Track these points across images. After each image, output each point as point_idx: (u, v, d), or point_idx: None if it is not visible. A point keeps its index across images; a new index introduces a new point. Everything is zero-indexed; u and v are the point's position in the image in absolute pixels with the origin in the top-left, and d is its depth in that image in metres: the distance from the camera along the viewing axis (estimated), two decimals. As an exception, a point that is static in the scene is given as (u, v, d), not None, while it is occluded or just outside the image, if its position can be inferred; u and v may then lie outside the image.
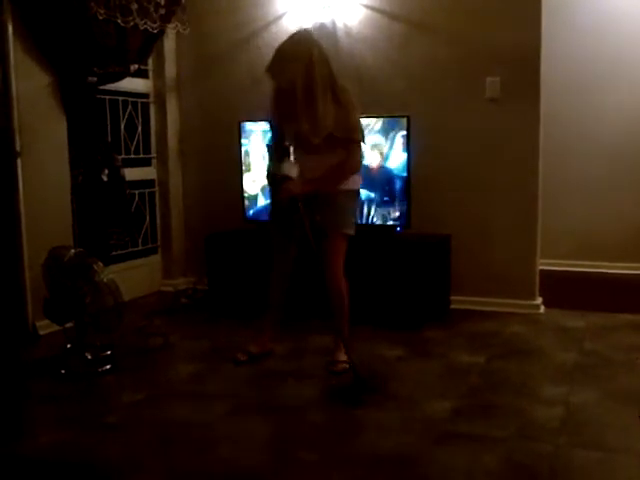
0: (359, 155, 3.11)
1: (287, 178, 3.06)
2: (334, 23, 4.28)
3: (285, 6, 4.42)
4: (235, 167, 4.35)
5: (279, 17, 4.43)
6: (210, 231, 4.42)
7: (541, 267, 4.26)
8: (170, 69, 4.76)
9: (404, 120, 3.86)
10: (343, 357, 3.13)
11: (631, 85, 5.04)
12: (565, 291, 4.59)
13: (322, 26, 4.26)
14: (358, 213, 3.60)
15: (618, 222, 5.08)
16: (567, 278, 4.90)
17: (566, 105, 5.09)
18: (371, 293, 3.90)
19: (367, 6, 4.22)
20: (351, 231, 3.18)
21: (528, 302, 4.13)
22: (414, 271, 3.86)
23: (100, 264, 3.21)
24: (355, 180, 3.18)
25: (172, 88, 4.78)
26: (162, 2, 4.27)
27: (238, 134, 4.32)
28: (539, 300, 4.17)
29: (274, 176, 3.14)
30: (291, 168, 3.07)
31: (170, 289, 4.74)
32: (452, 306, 4.18)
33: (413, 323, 3.83)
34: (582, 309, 4.15)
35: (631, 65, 5.01)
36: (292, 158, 3.08)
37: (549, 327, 3.86)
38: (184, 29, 4.49)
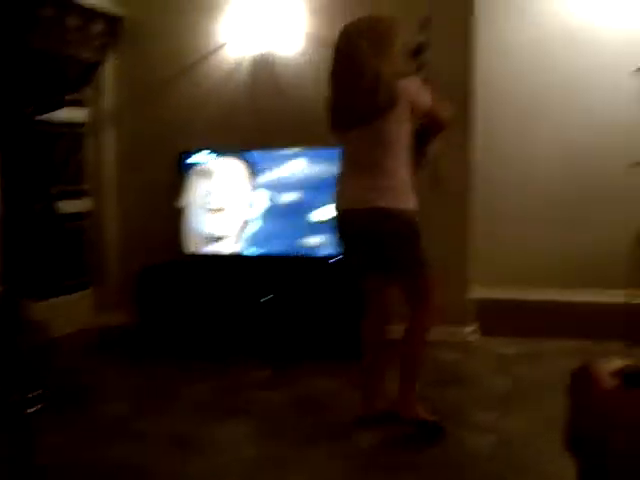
0: None
1: None
2: (275, 54, 4.33)
3: (225, 37, 4.44)
4: (173, 199, 4.32)
5: (219, 47, 4.45)
6: (147, 265, 4.34)
7: (478, 295, 4.33)
8: (107, 98, 4.71)
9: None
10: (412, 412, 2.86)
11: (564, 113, 5.17)
12: (500, 318, 4.66)
13: (263, 57, 4.33)
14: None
15: (552, 250, 5.19)
16: (502, 306, 4.95)
17: (500, 132, 5.17)
18: (305, 325, 3.91)
19: (308, 37, 4.27)
20: None
21: (462, 329, 4.19)
22: (348, 301, 3.85)
23: (29, 301, 3.13)
24: None
25: (109, 118, 4.73)
26: (100, 32, 4.25)
27: (178, 165, 4.31)
28: (473, 327, 4.23)
29: None
30: None
31: (103, 325, 4.62)
32: (390, 336, 4.19)
33: (350, 354, 3.83)
34: (516, 336, 4.23)
35: (565, 93, 5.14)
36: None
37: (483, 354, 3.93)
38: (121, 59, 4.47)
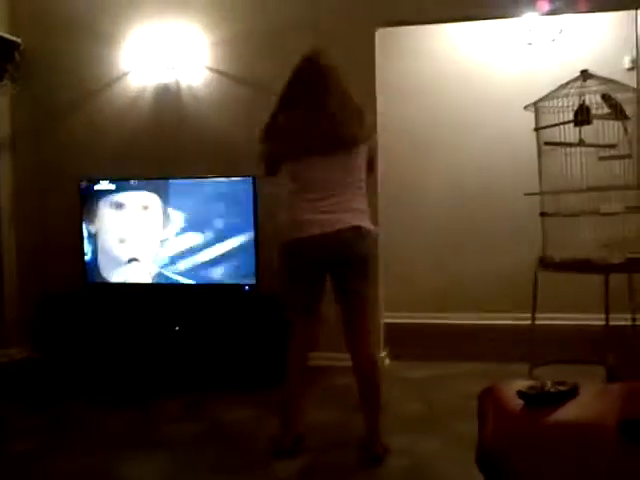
0: None
1: None
2: (178, 84, 4.33)
3: (128, 65, 4.40)
4: (75, 228, 4.23)
5: (122, 76, 4.41)
6: (47, 296, 4.22)
7: (385, 320, 4.38)
8: (4, 126, 4.57)
9: (250, 180, 3.93)
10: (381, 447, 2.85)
11: (462, 136, 5.34)
12: (408, 343, 4.73)
13: (166, 87, 4.32)
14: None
15: (454, 275, 5.34)
16: (410, 330, 5.05)
17: (396, 158, 5.19)
18: (219, 354, 3.87)
19: (211, 69, 4.30)
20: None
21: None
22: (263, 331, 3.86)
23: None
24: None
25: (6, 146, 4.58)
26: (-6, 58, 4.13)
27: (78, 193, 4.23)
28: (384, 353, 4.29)
29: None
30: None
31: (4, 359, 4.43)
32: (310, 363, 4.20)
33: (265, 382, 3.81)
34: (424, 360, 4.31)
35: (463, 116, 5.32)
36: None
37: (394, 379, 3.97)
38: (15, 88, 4.35)
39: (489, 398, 1.94)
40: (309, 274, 2.83)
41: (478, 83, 5.29)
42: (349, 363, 3.81)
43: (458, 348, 4.63)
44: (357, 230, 2.76)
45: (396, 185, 5.15)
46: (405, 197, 5.39)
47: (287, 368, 2.92)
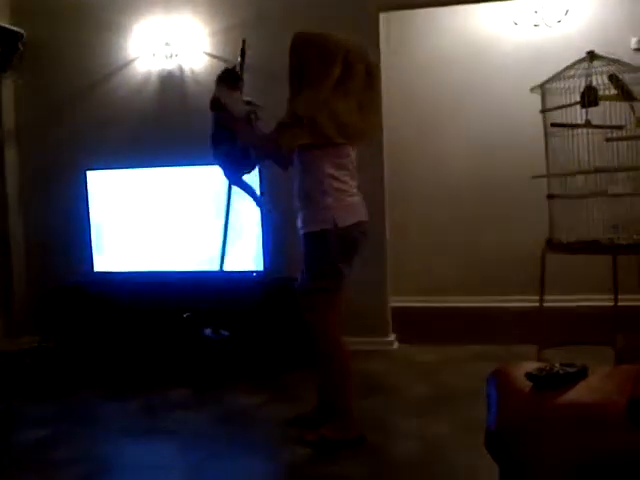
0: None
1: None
2: (182, 70, 4.34)
3: (130, 55, 4.41)
4: (83, 217, 4.27)
5: (126, 65, 4.42)
6: (56, 285, 4.25)
7: (394, 304, 4.41)
8: (9, 118, 4.58)
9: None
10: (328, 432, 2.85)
11: (469, 119, 5.31)
12: (417, 327, 4.76)
13: (169, 74, 4.33)
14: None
15: (462, 261, 5.34)
16: (418, 314, 5.07)
17: (406, 140, 5.22)
18: (228, 341, 3.88)
19: (212, 55, 4.30)
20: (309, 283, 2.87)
21: (382, 339, 4.26)
22: (271, 317, 3.87)
23: None
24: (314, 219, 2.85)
25: (11, 137, 4.60)
26: (-3, 49, 4.14)
27: (84, 183, 4.25)
28: (392, 336, 4.32)
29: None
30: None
31: (13, 348, 4.47)
32: None
33: (276, 370, 3.83)
34: (433, 343, 4.32)
35: (470, 97, 5.29)
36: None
37: (403, 362, 4.00)
38: (20, 78, 4.35)
39: (497, 380, 1.93)
40: (353, 257, 2.90)
41: (485, 65, 5.24)
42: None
43: (467, 331, 4.64)
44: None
45: (404, 169, 5.16)
46: (413, 181, 5.36)
47: (337, 348, 2.90)
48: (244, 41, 3.05)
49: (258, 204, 3.31)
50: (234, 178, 3.17)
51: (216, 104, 2.99)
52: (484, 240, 5.31)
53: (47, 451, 2.94)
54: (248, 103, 3.04)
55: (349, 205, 2.85)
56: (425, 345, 4.31)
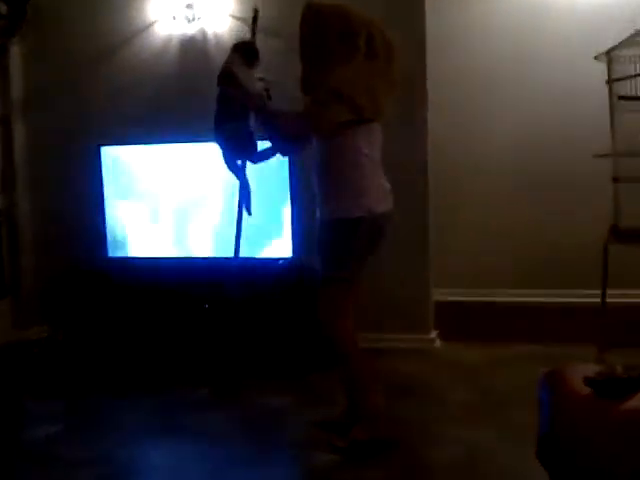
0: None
1: None
2: (204, 35, 4.35)
3: (148, 18, 4.42)
4: (96, 197, 4.29)
5: (143, 29, 4.43)
6: (67, 271, 4.29)
7: (436, 298, 4.39)
8: (17, 89, 4.63)
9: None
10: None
11: (522, 91, 5.19)
12: (461, 323, 4.73)
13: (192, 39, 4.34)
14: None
15: (512, 248, 5.26)
16: (463, 309, 5.04)
17: (451, 117, 5.17)
18: (252, 336, 3.87)
19: (238, 18, 4.27)
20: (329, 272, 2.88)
21: (423, 336, 4.25)
22: (299, 309, 3.82)
23: None
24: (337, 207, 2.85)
25: (19, 108, 4.64)
26: (3, 13, 4.15)
27: (98, 160, 4.27)
28: (434, 333, 4.29)
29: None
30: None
31: (22, 339, 4.52)
32: None
33: (303, 368, 3.81)
34: (479, 341, 4.29)
35: (523, 66, 5.17)
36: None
37: (445, 362, 3.98)
38: (31, 43, 4.39)
39: (551, 384, 1.91)
40: (368, 251, 2.90)
41: (540, 29, 5.10)
42: (378, 344, 3.92)
43: (517, 328, 4.59)
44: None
45: (449, 148, 5.11)
46: (460, 162, 5.29)
47: (352, 346, 2.92)
48: (256, 10, 3.04)
49: (243, 200, 3.24)
50: (233, 163, 3.15)
51: (228, 77, 2.95)
52: (539, 227, 5.22)
53: (58, 449, 2.98)
54: (260, 79, 3.02)
55: (382, 191, 2.88)
56: (470, 343, 4.27)
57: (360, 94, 2.73)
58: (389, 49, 2.85)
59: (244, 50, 3.01)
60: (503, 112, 5.24)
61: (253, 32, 3.07)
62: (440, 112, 4.54)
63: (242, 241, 3.46)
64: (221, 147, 3.08)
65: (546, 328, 4.51)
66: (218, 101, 3.02)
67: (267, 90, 2.99)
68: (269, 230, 4.02)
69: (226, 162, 3.14)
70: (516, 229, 5.28)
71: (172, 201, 4.23)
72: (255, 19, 3.07)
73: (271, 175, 3.88)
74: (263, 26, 3.24)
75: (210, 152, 4.07)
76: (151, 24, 4.43)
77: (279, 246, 4.03)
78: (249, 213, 3.27)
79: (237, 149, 3.06)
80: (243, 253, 3.53)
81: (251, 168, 3.24)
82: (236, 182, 3.28)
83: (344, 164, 2.80)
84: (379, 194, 2.86)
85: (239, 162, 3.16)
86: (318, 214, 2.92)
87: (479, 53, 5.26)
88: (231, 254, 3.76)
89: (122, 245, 4.32)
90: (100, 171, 4.28)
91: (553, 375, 1.96)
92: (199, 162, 4.15)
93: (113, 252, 4.33)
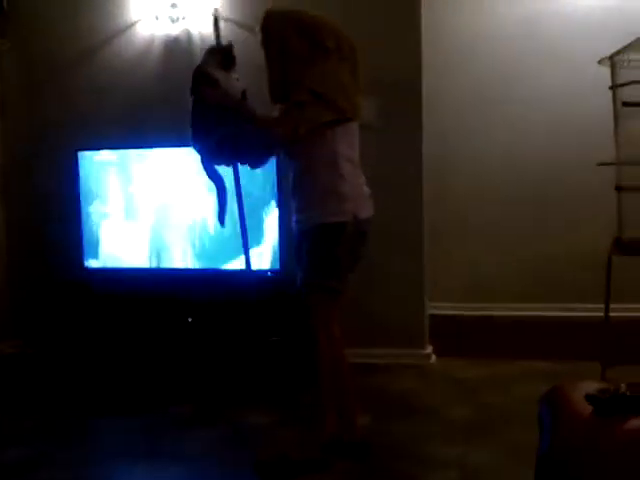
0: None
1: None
2: (189, 36, 4.38)
3: (129, 18, 4.45)
4: (73, 205, 4.31)
5: (125, 29, 4.46)
6: (41, 282, 4.31)
7: (432, 311, 4.43)
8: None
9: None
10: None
11: (524, 97, 5.24)
12: (458, 337, 4.75)
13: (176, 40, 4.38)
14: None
15: (511, 260, 5.29)
16: (459, 323, 5.06)
17: (449, 122, 5.24)
18: (237, 351, 3.89)
19: (225, 18, 4.22)
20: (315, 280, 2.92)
21: (417, 351, 4.27)
22: (288, 323, 3.87)
23: None
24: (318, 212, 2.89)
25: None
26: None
27: (75, 166, 4.29)
28: (429, 349, 4.32)
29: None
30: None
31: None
32: None
33: (291, 385, 3.82)
34: (476, 357, 4.31)
35: (513, 87, 5.25)
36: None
37: (441, 379, 4.01)
38: (5, 44, 4.41)
39: (552, 402, 1.93)
40: (357, 256, 2.96)
41: (543, 32, 5.17)
42: (369, 360, 4.01)
43: (517, 344, 4.61)
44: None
45: (447, 154, 5.16)
46: (458, 168, 5.34)
47: (339, 359, 2.96)
48: (215, 16, 3.15)
49: (221, 210, 3.19)
50: (214, 170, 3.13)
51: (203, 76, 2.97)
52: (539, 237, 5.26)
53: (30, 473, 2.97)
54: (237, 80, 3.06)
55: (364, 196, 2.94)
56: (467, 359, 4.30)
57: (337, 93, 2.80)
58: (353, 51, 2.92)
59: (219, 53, 3.04)
60: (503, 118, 5.29)
61: (217, 36, 3.10)
62: (438, 119, 4.62)
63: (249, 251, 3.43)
64: (205, 156, 3.07)
65: (547, 344, 4.54)
66: (197, 108, 3.01)
67: (244, 92, 2.99)
68: (259, 239, 4.03)
69: (207, 169, 3.12)
70: (515, 240, 5.31)
71: (154, 208, 4.25)
72: (216, 22, 3.13)
73: (258, 178, 3.90)
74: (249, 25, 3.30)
75: (193, 158, 4.13)
76: (133, 24, 4.44)
77: (261, 256, 4.03)
78: (222, 225, 3.23)
79: (234, 153, 3.03)
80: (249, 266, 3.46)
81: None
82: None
83: (325, 168, 2.85)
84: (362, 199, 2.91)
85: (225, 168, 3.13)
86: (296, 222, 2.96)
87: (477, 59, 5.30)
88: (216, 265, 3.79)
89: (100, 255, 4.33)
90: (77, 178, 4.29)
91: (553, 393, 1.97)
92: (182, 168, 4.16)
93: (90, 262, 4.34)
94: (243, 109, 2.94)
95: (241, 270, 3.68)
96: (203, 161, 3.09)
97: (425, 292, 4.32)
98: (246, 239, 3.26)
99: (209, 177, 3.15)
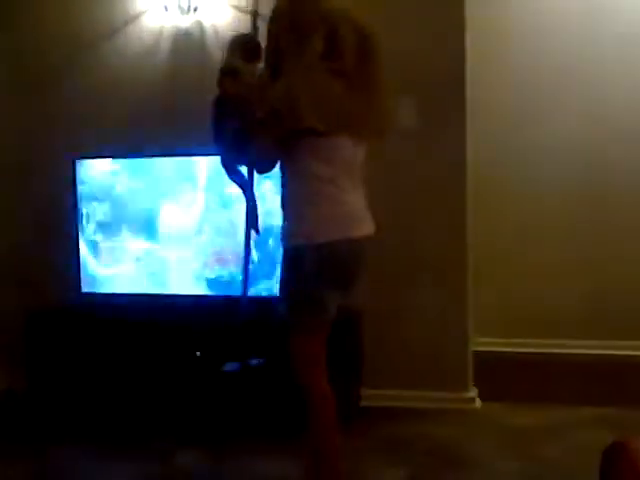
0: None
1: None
2: (202, 28, 4.41)
3: (135, 8, 4.46)
4: (68, 221, 4.31)
5: (129, 23, 4.47)
6: (32, 310, 4.28)
7: (477, 348, 4.39)
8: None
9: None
10: None
11: (580, 100, 5.24)
12: (506, 378, 4.70)
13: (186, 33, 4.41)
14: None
15: (569, 292, 5.24)
16: (507, 362, 5.03)
17: (495, 129, 5.22)
18: (251, 389, 3.84)
19: (240, 9, 4.29)
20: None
21: (460, 395, 4.23)
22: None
23: None
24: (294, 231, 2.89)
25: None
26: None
27: (72, 176, 4.29)
28: (474, 392, 4.27)
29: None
30: None
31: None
32: (363, 403, 4.23)
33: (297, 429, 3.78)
34: (528, 401, 4.27)
35: (574, 92, 5.24)
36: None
37: (487, 427, 3.96)
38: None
39: (619, 456, 1.87)
40: (341, 286, 2.89)
41: (601, 30, 5.15)
42: (406, 403, 4.01)
43: (576, 387, 4.56)
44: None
45: (492, 167, 5.14)
46: (506, 183, 5.30)
47: (324, 409, 2.93)
48: (255, 13, 3.17)
49: (249, 218, 3.23)
50: (235, 171, 3.19)
51: (232, 72, 3.02)
52: (602, 267, 5.22)
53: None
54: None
55: (336, 215, 2.82)
56: (517, 404, 4.25)
57: (305, 103, 2.72)
58: (365, 47, 2.83)
59: (244, 44, 3.08)
60: (561, 122, 5.25)
61: (254, 34, 3.15)
62: (480, 123, 4.56)
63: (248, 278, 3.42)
64: (222, 150, 3.12)
65: (612, 387, 4.48)
66: (216, 99, 3.08)
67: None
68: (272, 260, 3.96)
69: (226, 168, 3.18)
70: (575, 267, 5.28)
71: (159, 225, 4.24)
72: (255, 19, 3.17)
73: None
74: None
75: (206, 168, 4.11)
76: (139, 15, 4.47)
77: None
78: (257, 232, 3.27)
79: (241, 150, 3.03)
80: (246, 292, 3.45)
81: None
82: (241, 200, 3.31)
83: (293, 185, 2.86)
84: (331, 220, 2.81)
85: (246, 171, 3.18)
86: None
87: (528, 55, 5.30)
88: (235, 291, 3.74)
89: (98, 279, 4.32)
90: (74, 190, 4.29)
91: (619, 446, 1.90)
92: (191, 180, 4.16)
93: (88, 287, 4.33)
94: (248, 105, 2.93)
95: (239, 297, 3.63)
96: (222, 159, 3.16)
97: (469, 325, 4.28)
98: (247, 260, 3.26)
99: (229, 178, 3.21)
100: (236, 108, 2.96)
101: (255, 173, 3.12)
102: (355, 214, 2.87)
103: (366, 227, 2.88)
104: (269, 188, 3.83)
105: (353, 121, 2.80)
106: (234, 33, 3.22)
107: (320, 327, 2.88)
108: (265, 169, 2.97)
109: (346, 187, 2.83)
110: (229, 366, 3.66)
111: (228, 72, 3.02)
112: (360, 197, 2.89)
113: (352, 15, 2.86)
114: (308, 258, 2.77)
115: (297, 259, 2.80)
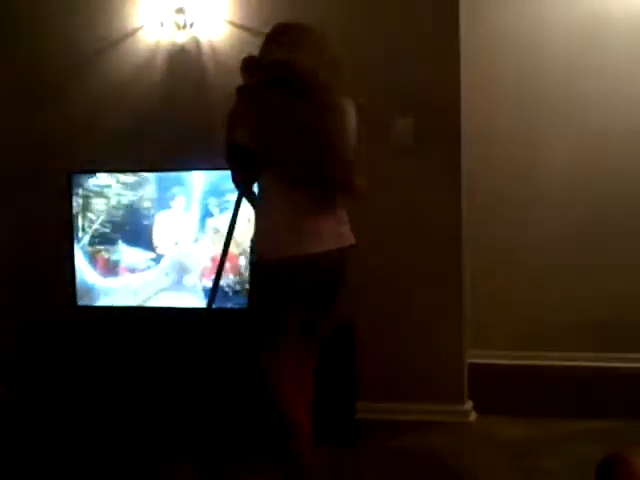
0: None
1: None
2: (198, 44, 4.41)
3: (131, 24, 4.47)
4: (64, 235, 4.30)
5: (123, 38, 4.48)
6: (25, 322, 4.28)
7: (472, 360, 4.38)
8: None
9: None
10: None
11: (583, 110, 5.25)
12: (501, 391, 4.71)
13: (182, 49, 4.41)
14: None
15: (565, 304, 5.26)
16: (503, 374, 5.03)
17: (494, 140, 5.25)
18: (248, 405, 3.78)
19: (238, 25, 4.34)
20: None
21: (454, 407, 4.22)
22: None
23: None
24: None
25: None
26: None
27: (68, 190, 4.29)
28: (469, 404, 4.26)
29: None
30: None
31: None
32: (358, 416, 4.18)
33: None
34: (525, 415, 4.26)
35: (575, 109, 5.25)
36: None
37: (482, 440, 3.94)
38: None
39: (611, 470, 1.89)
40: (307, 305, 2.93)
41: (605, 37, 5.17)
42: (401, 416, 4.04)
43: (572, 399, 4.58)
44: (347, 250, 2.95)
45: (491, 176, 5.18)
46: (504, 192, 5.32)
47: (296, 422, 2.87)
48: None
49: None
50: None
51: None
52: (599, 278, 5.23)
53: None
54: None
55: (293, 231, 2.82)
56: (513, 417, 4.24)
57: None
58: (332, 68, 2.89)
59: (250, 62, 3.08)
60: (560, 136, 5.29)
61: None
62: (478, 132, 4.64)
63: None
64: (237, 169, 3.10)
65: (608, 400, 4.50)
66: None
67: None
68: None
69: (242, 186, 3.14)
70: (574, 279, 5.29)
71: (155, 238, 4.23)
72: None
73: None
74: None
75: (201, 181, 4.12)
76: (135, 31, 4.47)
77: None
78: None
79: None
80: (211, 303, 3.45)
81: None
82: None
83: (259, 203, 2.95)
84: (285, 234, 2.81)
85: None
86: None
87: (528, 68, 5.31)
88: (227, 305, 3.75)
89: (94, 292, 4.31)
90: (69, 204, 4.28)
91: (614, 459, 1.93)
92: (187, 193, 4.16)
93: (83, 301, 4.31)
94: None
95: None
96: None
97: (464, 337, 4.27)
98: (220, 269, 3.23)
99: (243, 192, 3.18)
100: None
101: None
102: (316, 229, 2.83)
103: (333, 242, 2.86)
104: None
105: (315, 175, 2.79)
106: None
107: (285, 344, 2.87)
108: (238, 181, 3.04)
109: (309, 205, 2.82)
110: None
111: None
112: (328, 213, 2.86)
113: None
114: (258, 275, 2.85)
115: (253, 275, 2.89)
